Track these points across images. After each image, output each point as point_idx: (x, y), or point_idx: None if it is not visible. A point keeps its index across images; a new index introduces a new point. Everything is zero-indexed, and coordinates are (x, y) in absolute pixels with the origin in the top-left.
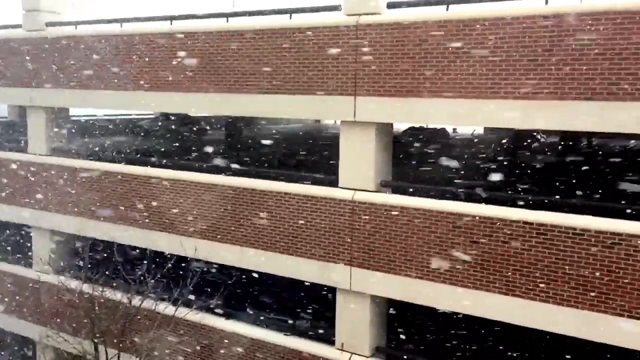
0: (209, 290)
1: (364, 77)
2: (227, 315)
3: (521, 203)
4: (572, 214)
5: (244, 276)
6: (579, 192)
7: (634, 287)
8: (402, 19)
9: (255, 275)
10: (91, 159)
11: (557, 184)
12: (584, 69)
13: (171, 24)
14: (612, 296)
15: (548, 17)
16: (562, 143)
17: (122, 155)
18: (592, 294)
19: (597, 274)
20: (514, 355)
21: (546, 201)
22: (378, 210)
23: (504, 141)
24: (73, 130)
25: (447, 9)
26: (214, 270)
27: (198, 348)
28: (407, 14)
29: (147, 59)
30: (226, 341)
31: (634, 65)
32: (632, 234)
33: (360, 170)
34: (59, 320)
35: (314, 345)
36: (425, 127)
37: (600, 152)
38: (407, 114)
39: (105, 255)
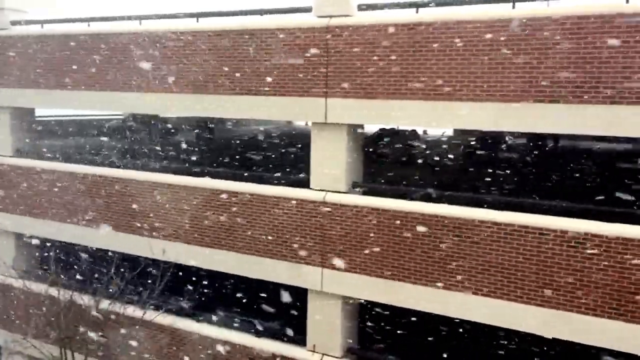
0: (179, 293)
1: (335, 78)
2: (198, 318)
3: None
4: (538, 215)
5: (214, 278)
6: (545, 193)
7: (597, 285)
8: (372, 21)
9: (226, 277)
10: (57, 160)
11: (524, 184)
12: (550, 72)
13: (140, 23)
14: (577, 294)
15: (515, 21)
16: (530, 144)
17: (90, 156)
18: (558, 292)
19: (562, 272)
20: (486, 354)
21: (512, 201)
22: (349, 211)
23: (473, 142)
24: (39, 131)
25: (416, 12)
26: (183, 272)
27: (168, 351)
28: (377, 16)
29: (116, 59)
30: (197, 343)
31: (598, 69)
32: (595, 234)
33: (331, 171)
34: (24, 325)
35: (286, 346)
36: (396, 128)
37: (565, 154)
38: (377, 115)
39: (71, 258)
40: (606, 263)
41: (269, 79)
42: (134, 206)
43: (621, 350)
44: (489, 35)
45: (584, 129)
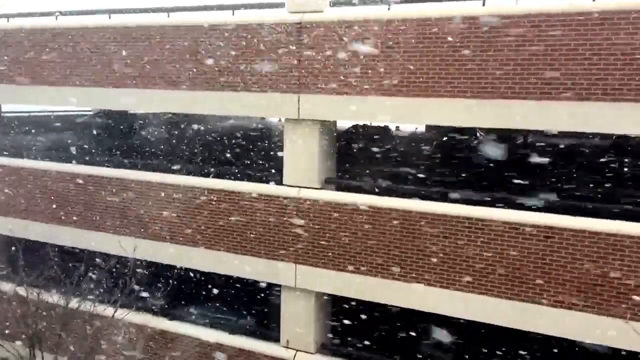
0: (150, 290)
1: (307, 75)
2: (172, 316)
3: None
4: (509, 209)
5: (186, 276)
6: (515, 188)
7: (566, 278)
8: (344, 17)
9: (199, 274)
10: (23, 157)
11: (494, 180)
12: (518, 69)
13: (110, 17)
14: (546, 287)
15: (485, 18)
16: (501, 140)
17: (58, 153)
18: (528, 285)
19: (532, 266)
20: (461, 349)
21: (485, 196)
22: (322, 207)
23: (444, 138)
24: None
25: (388, 9)
26: (154, 270)
27: (142, 350)
28: (349, 12)
29: (86, 54)
30: (169, 341)
31: (565, 65)
32: (563, 227)
33: (304, 167)
34: None
35: (260, 343)
36: (368, 124)
37: (535, 150)
38: (350, 112)
39: (40, 256)
40: (574, 256)
41: (242, 75)
42: (105, 204)
43: (588, 341)
44: (459, 32)
45: (553, 125)
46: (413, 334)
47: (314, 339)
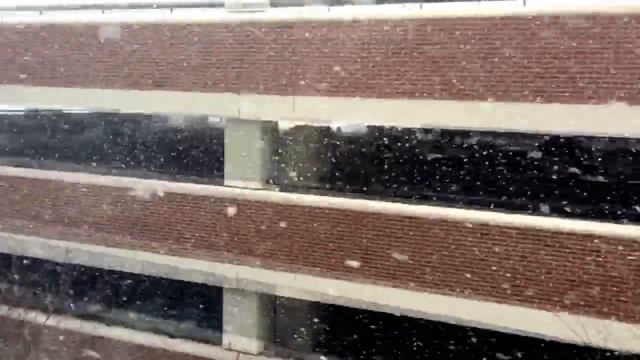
0: (90, 295)
1: (249, 74)
2: (111, 321)
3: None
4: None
5: (125, 279)
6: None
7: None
8: (285, 18)
9: (138, 277)
10: None
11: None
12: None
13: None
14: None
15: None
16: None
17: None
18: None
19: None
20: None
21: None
22: (266, 206)
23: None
24: None
25: (328, 10)
26: (92, 274)
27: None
28: (289, 13)
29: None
30: (110, 347)
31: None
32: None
33: (247, 166)
34: None
35: (201, 346)
36: (311, 124)
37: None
38: (289, 111)
39: None
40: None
41: (194, 73)
42: (39, 206)
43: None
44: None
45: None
46: (361, 333)
47: (257, 341)
